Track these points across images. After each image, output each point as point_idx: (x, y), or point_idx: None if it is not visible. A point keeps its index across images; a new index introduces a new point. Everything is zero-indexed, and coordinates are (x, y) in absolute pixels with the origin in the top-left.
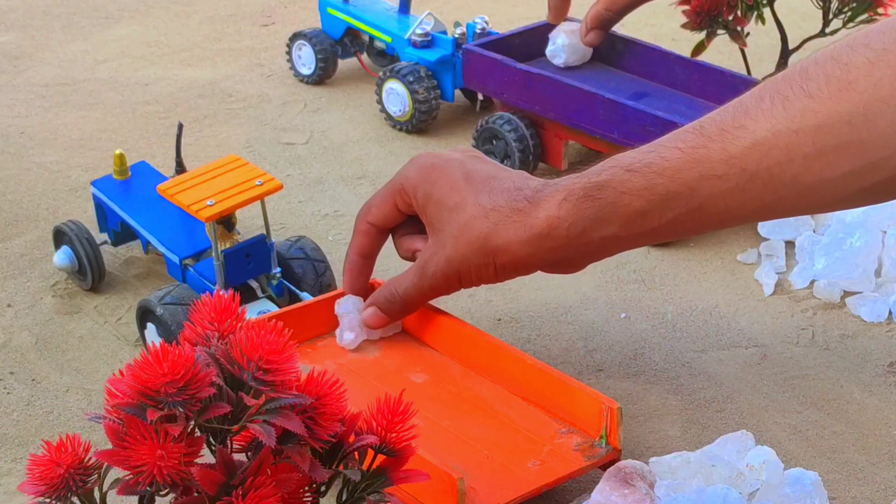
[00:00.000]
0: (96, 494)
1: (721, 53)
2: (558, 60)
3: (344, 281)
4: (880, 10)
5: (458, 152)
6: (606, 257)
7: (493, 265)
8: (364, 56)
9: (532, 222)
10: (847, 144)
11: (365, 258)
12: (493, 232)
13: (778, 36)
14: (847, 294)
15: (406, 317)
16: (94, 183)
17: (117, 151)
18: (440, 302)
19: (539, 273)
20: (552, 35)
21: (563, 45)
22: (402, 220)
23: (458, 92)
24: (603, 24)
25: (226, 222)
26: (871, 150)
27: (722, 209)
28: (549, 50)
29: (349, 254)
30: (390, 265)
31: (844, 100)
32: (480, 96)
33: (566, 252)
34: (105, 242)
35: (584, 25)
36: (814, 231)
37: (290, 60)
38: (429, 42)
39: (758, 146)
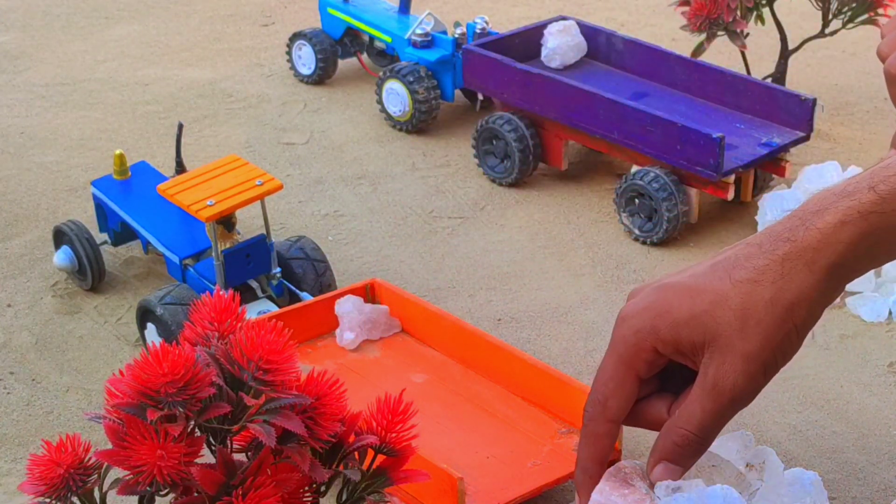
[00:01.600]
0: (96, 494)
1: (721, 53)
2: (555, 63)
3: (580, 497)
4: (880, 11)
5: (643, 287)
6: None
7: (794, 327)
8: (364, 56)
9: (812, 257)
10: None
11: (602, 466)
12: (778, 292)
13: (778, 36)
14: (847, 294)
15: (702, 454)
16: (94, 183)
17: (117, 151)
18: (440, 301)
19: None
20: (543, 39)
21: (555, 48)
22: (637, 396)
23: (458, 92)
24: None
25: (226, 222)
26: None
27: None
28: (543, 55)
29: (583, 464)
30: (390, 265)
31: None
32: (480, 96)
33: (849, 277)
34: (105, 242)
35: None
36: None
37: (290, 60)
38: (429, 42)
39: None
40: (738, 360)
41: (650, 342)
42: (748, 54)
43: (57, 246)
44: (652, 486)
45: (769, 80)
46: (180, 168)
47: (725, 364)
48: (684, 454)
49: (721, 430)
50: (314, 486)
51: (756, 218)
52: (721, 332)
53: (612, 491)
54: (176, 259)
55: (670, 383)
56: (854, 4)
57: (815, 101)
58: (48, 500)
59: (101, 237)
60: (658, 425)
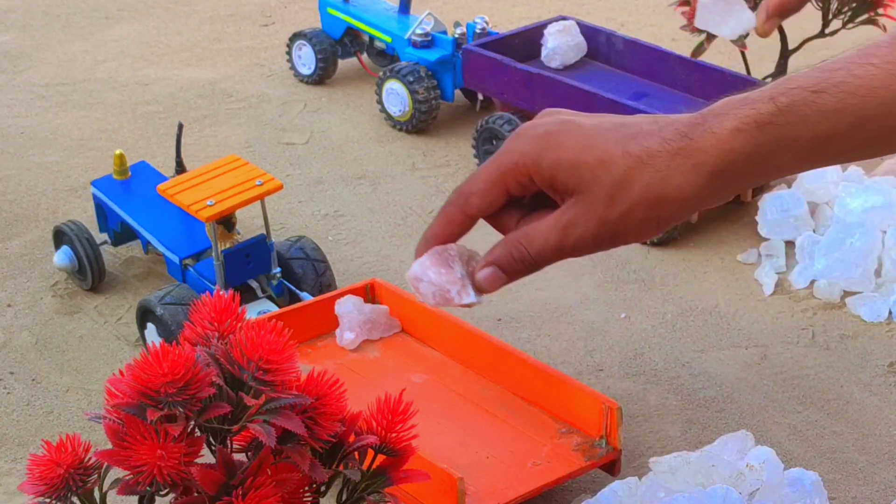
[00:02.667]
0: (96, 494)
1: (721, 53)
2: (555, 63)
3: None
4: (880, 11)
5: (554, 113)
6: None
7: (658, 217)
8: (364, 56)
9: (702, 159)
10: None
11: (441, 244)
12: (658, 181)
13: (778, 36)
14: (847, 294)
15: (527, 276)
16: (94, 183)
17: (117, 151)
18: None
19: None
20: (543, 39)
21: (555, 48)
22: (504, 205)
23: (458, 92)
24: (785, 12)
25: (226, 222)
26: None
27: None
28: (543, 55)
29: (427, 235)
30: (390, 265)
31: None
32: (480, 96)
33: (738, 186)
34: (105, 242)
35: (764, 12)
36: (814, 231)
37: (290, 60)
38: (429, 42)
39: None
40: (594, 220)
41: (529, 169)
42: (748, 54)
43: (57, 246)
44: (471, 276)
45: (769, 80)
46: (180, 168)
47: (582, 217)
48: (516, 268)
49: (551, 263)
50: (314, 486)
51: (756, 218)
52: (592, 190)
53: (431, 266)
54: (176, 259)
55: (536, 207)
56: (854, 4)
57: None
58: (48, 500)
59: (101, 237)
60: (504, 231)
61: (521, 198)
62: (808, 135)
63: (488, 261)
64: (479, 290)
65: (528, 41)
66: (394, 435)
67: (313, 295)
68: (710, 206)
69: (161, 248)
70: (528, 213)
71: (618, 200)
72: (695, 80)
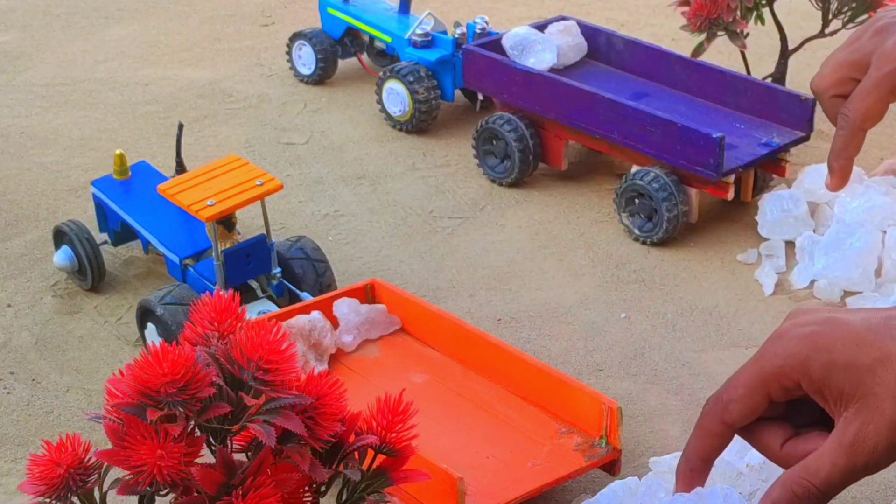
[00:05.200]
0: (96, 494)
1: (721, 53)
2: (555, 63)
3: (677, 485)
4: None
5: (812, 311)
6: None
7: None
8: (364, 56)
9: None
10: None
11: (707, 464)
12: None
13: (778, 36)
14: (847, 294)
15: None
16: (94, 183)
17: (117, 151)
18: (440, 301)
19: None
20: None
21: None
22: (764, 412)
23: (458, 92)
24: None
25: (226, 222)
26: None
27: None
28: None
29: (688, 456)
30: (390, 265)
31: None
32: (480, 96)
33: None
34: (105, 242)
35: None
36: (814, 231)
37: (290, 60)
38: (429, 42)
39: None
40: (886, 425)
41: (797, 373)
42: (748, 54)
43: (57, 246)
44: None
45: (769, 80)
46: (180, 168)
47: (871, 425)
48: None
49: (840, 491)
50: (314, 486)
51: (756, 218)
52: (876, 393)
53: None
54: (176, 259)
55: (795, 414)
56: (854, 4)
57: (815, 101)
58: (48, 500)
59: (101, 237)
60: (765, 451)
61: (777, 409)
62: None
63: (768, 502)
64: None
65: None
66: (394, 435)
67: (313, 295)
68: None
69: (161, 249)
70: (794, 434)
71: None
72: (695, 80)
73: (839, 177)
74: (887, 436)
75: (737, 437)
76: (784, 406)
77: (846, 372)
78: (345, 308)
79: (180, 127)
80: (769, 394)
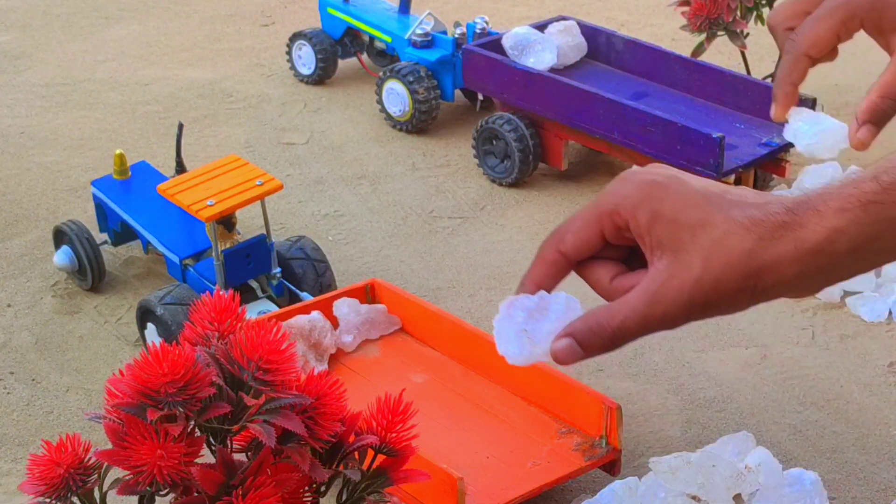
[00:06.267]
0: (96, 494)
1: (721, 53)
2: (555, 63)
3: (518, 289)
4: None
5: (664, 168)
6: (864, 273)
7: (753, 288)
8: (364, 56)
9: (805, 235)
10: None
11: (541, 290)
12: (758, 248)
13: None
14: (847, 294)
15: (609, 352)
16: (94, 183)
17: (117, 151)
18: (440, 301)
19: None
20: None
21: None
22: (599, 249)
23: (458, 92)
24: (880, 117)
25: (226, 222)
26: None
27: None
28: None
29: (523, 281)
30: (390, 265)
31: None
32: (480, 96)
33: (835, 271)
34: (105, 242)
35: (856, 120)
36: None
37: (290, 60)
38: (429, 42)
39: None
40: (689, 283)
41: (627, 213)
42: (748, 54)
43: (57, 246)
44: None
45: (769, 80)
46: (180, 168)
47: (676, 279)
48: (593, 343)
49: (637, 338)
50: (314, 486)
51: None
52: (689, 251)
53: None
54: (176, 259)
55: (634, 262)
56: None
57: (815, 100)
58: (48, 500)
59: (101, 237)
60: (595, 286)
61: (617, 253)
62: None
63: (566, 332)
64: (556, 360)
65: None
66: (394, 435)
67: (313, 295)
68: (810, 291)
69: (161, 248)
70: (623, 272)
71: (714, 262)
72: (695, 80)
73: (782, 104)
74: (689, 292)
75: (735, 439)
76: (626, 252)
77: (669, 225)
78: (345, 308)
79: (180, 127)
80: (602, 230)
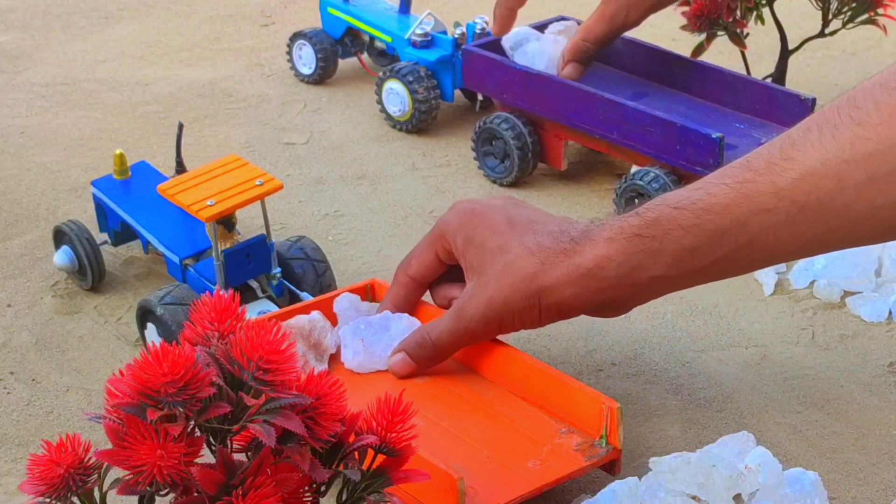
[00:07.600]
0: (96, 494)
1: (721, 53)
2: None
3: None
4: (880, 11)
5: (498, 199)
6: (653, 299)
7: (538, 307)
8: (364, 56)
9: (579, 261)
10: None
11: (400, 309)
12: (539, 271)
13: (778, 36)
14: (847, 294)
15: (436, 365)
16: (94, 183)
17: (117, 151)
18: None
19: None
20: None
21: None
22: (442, 271)
23: (457, 92)
24: (581, 56)
25: (226, 222)
26: None
27: (772, 243)
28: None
29: (384, 303)
30: (390, 265)
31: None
32: (480, 96)
33: (613, 293)
34: (105, 242)
35: (562, 58)
36: None
37: (290, 60)
38: (429, 42)
39: (807, 177)
40: (483, 301)
41: (450, 238)
42: (748, 54)
43: (57, 246)
44: (315, 348)
45: (769, 80)
46: (180, 168)
47: (475, 298)
48: (421, 355)
49: (456, 350)
50: (314, 486)
51: None
52: (488, 273)
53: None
54: (176, 259)
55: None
56: (854, 4)
57: (814, 100)
58: (48, 500)
59: (101, 237)
60: (439, 306)
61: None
62: (672, 246)
63: (400, 346)
64: (392, 372)
65: None
66: (394, 435)
67: (313, 295)
68: (594, 313)
69: (161, 249)
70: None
71: (503, 283)
72: (695, 80)
73: (500, 24)
74: (483, 309)
75: (735, 439)
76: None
77: (477, 249)
78: (345, 303)
79: (180, 127)
80: (437, 253)
